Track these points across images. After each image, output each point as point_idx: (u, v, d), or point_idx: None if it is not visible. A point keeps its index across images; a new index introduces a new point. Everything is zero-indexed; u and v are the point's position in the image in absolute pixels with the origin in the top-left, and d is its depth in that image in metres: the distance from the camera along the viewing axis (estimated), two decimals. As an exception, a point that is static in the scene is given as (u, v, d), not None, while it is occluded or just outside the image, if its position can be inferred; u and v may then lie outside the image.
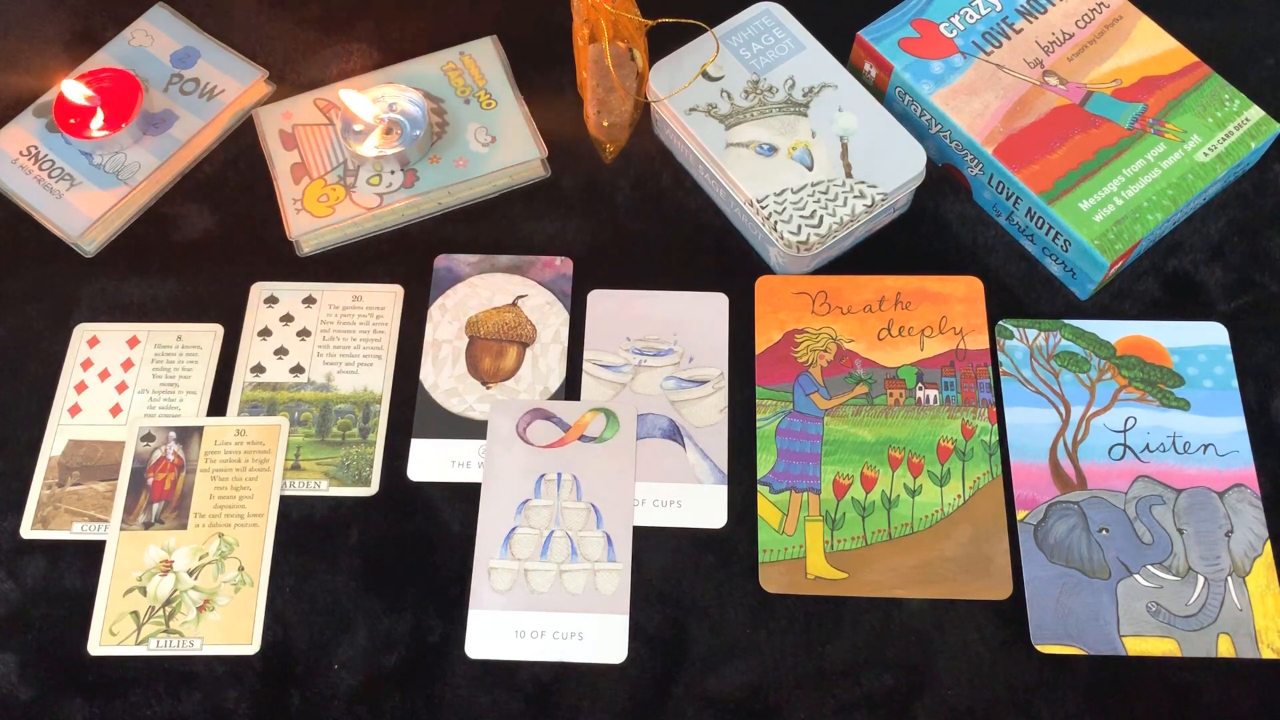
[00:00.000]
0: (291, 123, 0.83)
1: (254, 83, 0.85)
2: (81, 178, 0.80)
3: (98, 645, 0.67)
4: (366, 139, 0.79)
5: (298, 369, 0.75)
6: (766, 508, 0.69)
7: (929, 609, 0.67)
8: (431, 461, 0.72)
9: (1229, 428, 0.71)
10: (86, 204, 0.79)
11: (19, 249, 0.80)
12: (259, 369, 0.75)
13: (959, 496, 0.69)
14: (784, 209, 0.73)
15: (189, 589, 0.68)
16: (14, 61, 0.87)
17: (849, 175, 0.74)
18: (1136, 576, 0.67)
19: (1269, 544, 0.67)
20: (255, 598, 0.68)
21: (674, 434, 0.72)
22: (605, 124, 0.79)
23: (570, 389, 0.74)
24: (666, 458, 0.71)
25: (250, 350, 0.76)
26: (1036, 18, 0.80)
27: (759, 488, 0.70)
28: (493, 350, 0.76)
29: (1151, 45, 0.78)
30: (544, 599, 0.67)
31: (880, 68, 0.80)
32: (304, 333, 0.76)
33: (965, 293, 0.75)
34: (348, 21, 0.89)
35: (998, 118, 0.76)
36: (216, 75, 0.84)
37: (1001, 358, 0.74)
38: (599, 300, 0.77)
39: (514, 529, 0.69)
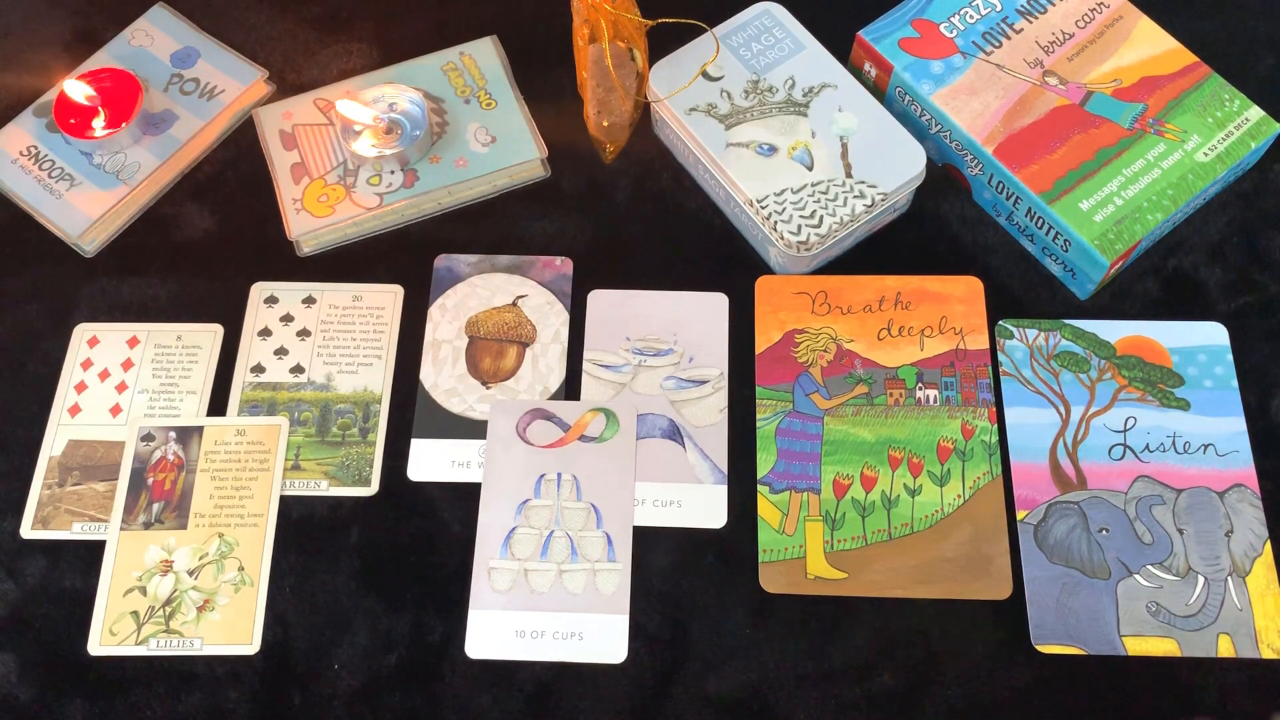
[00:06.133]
0: (291, 123, 0.83)
1: (254, 83, 0.85)
2: (81, 178, 0.80)
3: (98, 645, 0.67)
4: (366, 139, 0.79)
5: (298, 369, 0.75)
6: (766, 508, 0.70)
7: (929, 609, 0.67)
8: (431, 461, 0.72)
9: (1229, 428, 0.71)
10: (86, 204, 0.79)
11: (19, 249, 0.80)
12: (259, 369, 0.75)
13: (959, 496, 0.69)
14: (784, 209, 0.73)
15: (189, 589, 0.68)
16: (14, 61, 0.87)
17: (849, 175, 0.74)
18: (1136, 576, 0.67)
19: (1269, 544, 0.67)
20: (255, 598, 0.68)
21: (674, 434, 0.72)
22: (605, 124, 0.79)
23: (570, 389, 0.74)
24: (666, 458, 0.71)
25: (250, 350, 0.76)
26: (1036, 18, 0.80)
27: (759, 488, 0.70)
28: (493, 350, 0.76)
29: (1151, 45, 0.78)
30: (544, 599, 0.67)
31: (880, 68, 0.80)
32: (304, 333, 0.76)
33: (965, 293, 0.75)
34: (348, 21, 0.89)
35: (998, 118, 0.76)
36: (216, 75, 0.85)
37: (1001, 358, 0.74)
38: (599, 300, 0.77)
39: (514, 529, 0.69)
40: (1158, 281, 0.76)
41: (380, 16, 0.89)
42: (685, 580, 0.68)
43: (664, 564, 0.69)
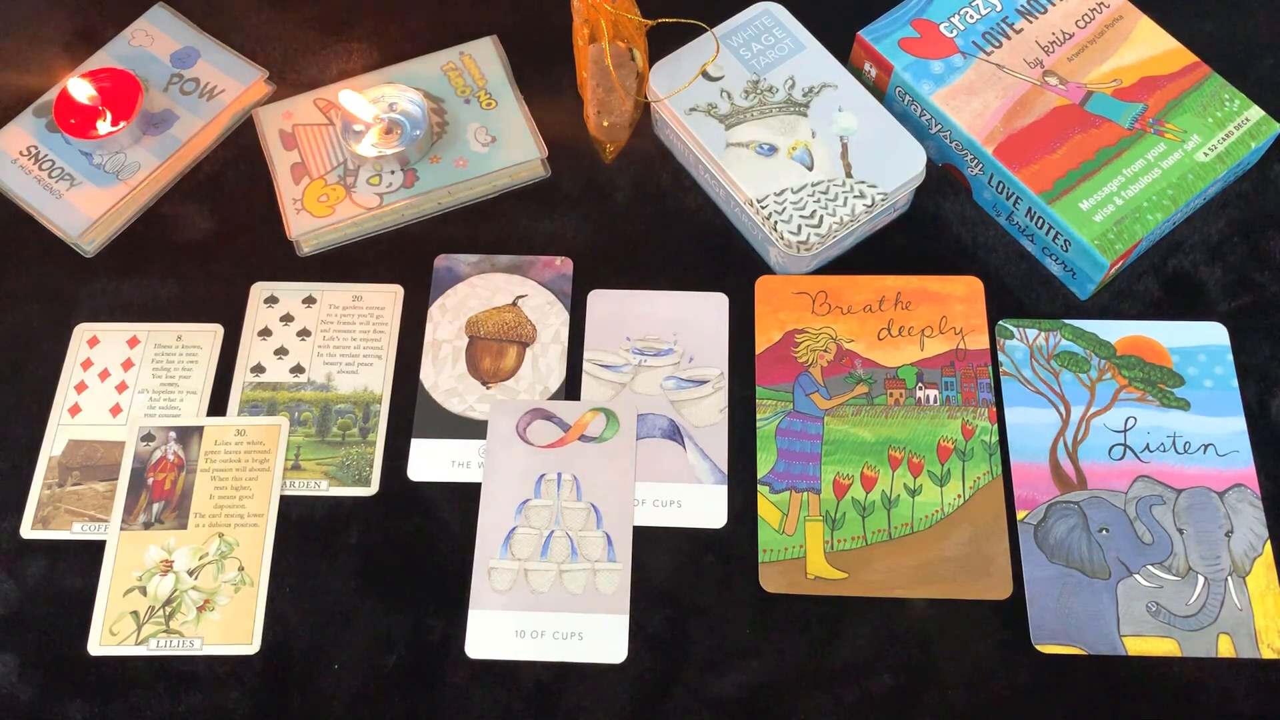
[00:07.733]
0: (291, 123, 0.83)
1: (254, 83, 0.85)
2: (81, 178, 0.80)
3: (98, 645, 0.67)
4: (366, 139, 0.79)
5: (298, 369, 0.75)
6: (766, 508, 0.70)
7: (929, 609, 0.67)
8: (431, 461, 0.72)
9: (1229, 428, 0.71)
10: (86, 204, 0.79)
11: (19, 249, 0.80)
12: (259, 369, 0.75)
13: (959, 496, 0.69)
14: (784, 209, 0.73)
15: (189, 589, 0.68)
16: (14, 61, 0.87)
17: (849, 175, 0.74)
18: (1136, 576, 0.67)
19: (1269, 544, 0.67)
20: (255, 598, 0.68)
21: (674, 434, 0.72)
22: (605, 124, 0.79)
23: (570, 389, 0.74)
24: (666, 458, 0.71)
25: (250, 350, 0.76)
26: (1036, 18, 0.80)
27: (759, 488, 0.70)
28: (493, 350, 0.76)
29: (1151, 45, 0.78)
30: (544, 599, 0.67)
31: (880, 68, 0.80)
32: (304, 333, 0.76)
33: (965, 293, 0.75)
34: (348, 21, 0.89)
35: (998, 118, 0.76)
36: (216, 75, 0.85)
37: (1001, 358, 0.74)
38: (599, 300, 0.77)
39: (514, 529, 0.69)
40: (1158, 281, 0.76)
41: (380, 16, 0.89)
42: (685, 580, 0.68)
43: (664, 564, 0.69)
